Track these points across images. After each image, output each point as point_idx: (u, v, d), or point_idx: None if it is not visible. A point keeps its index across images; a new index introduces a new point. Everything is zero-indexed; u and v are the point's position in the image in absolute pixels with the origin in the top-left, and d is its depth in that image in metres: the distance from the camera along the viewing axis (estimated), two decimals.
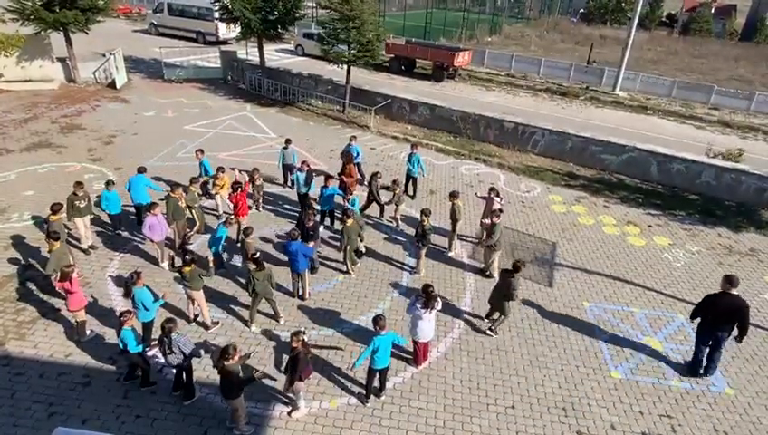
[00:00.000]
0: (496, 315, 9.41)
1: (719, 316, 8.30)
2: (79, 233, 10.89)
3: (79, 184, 10.80)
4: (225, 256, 10.78)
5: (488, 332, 9.37)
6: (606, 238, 13.07)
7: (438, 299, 8.13)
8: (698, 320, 8.61)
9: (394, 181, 12.45)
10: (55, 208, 9.92)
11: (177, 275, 9.46)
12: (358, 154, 14.37)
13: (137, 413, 7.36)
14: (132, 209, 11.94)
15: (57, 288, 8.71)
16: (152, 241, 10.32)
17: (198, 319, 9.15)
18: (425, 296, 8.00)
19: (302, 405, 7.50)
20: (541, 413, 7.86)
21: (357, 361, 7.45)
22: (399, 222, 12.76)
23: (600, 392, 8.31)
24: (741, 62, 40.71)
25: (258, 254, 9.01)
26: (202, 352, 7.57)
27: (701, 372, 8.70)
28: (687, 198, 15.67)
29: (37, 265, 10.35)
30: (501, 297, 9.10)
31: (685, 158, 16.15)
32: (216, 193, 12.46)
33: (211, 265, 9.24)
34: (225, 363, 6.61)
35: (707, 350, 8.58)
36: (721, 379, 8.75)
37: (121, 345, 7.34)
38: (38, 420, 7.17)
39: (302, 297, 9.99)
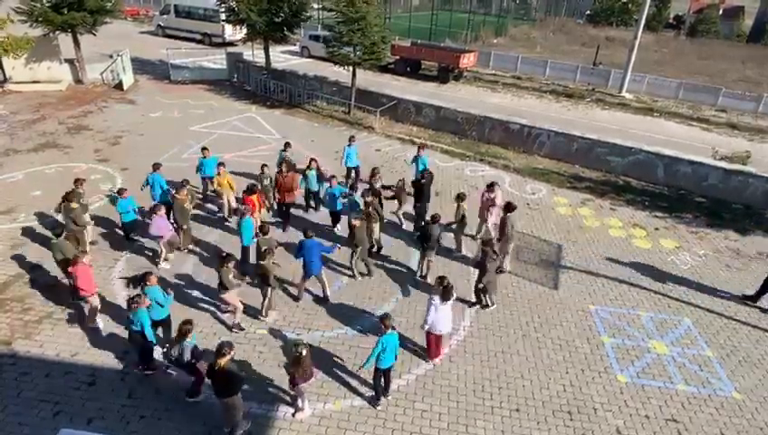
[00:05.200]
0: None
1: None
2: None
3: (79, 181, 10.96)
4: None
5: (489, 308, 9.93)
6: (612, 241, 13.00)
7: (453, 293, 8.31)
8: None
9: (400, 181, 12.58)
10: (70, 197, 10.23)
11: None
12: (356, 156, 14.23)
13: (141, 413, 7.39)
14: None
15: (71, 270, 8.65)
16: (160, 240, 10.38)
17: (235, 321, 9.10)
18: (440, 288, 8.12)
19: (306, 407, 7.50)
20: (546, 417, 7.82)
21: (366, 362, 7.45)
22: (402, 220, 12.80)
23: (605, 396, 8.26)
24: (748, 63, 40.39)
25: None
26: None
27: None
28: (694, 200, 15.57)
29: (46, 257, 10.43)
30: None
31: (691, 160, 16.05)
32: (219, 188, 12.34)
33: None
34: (222, 361, 6.58)
35: None
36: (728, 383, 8.68)
37: (138, 327, 7.46)
38: (44, 420, 7.21)
39: (325, 299, 9.90)
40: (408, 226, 12.82)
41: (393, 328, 7.50)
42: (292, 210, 12.56)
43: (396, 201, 12.50)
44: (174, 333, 7.64)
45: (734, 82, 32.81)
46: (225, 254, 8.85)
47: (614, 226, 13.79)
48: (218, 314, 9.43)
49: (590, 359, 9.01)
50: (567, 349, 9.21)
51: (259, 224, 10.37)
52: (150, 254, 11.02)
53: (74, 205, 10.25)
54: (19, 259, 10.63)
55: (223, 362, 6.58)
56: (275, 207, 12.79)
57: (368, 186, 12.39)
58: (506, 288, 10.76)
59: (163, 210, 10.28)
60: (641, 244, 12.97)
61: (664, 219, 14.33)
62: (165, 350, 7.86)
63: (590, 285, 11.10)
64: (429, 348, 8.54)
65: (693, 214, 14.72)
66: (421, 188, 12.35)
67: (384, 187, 12.68)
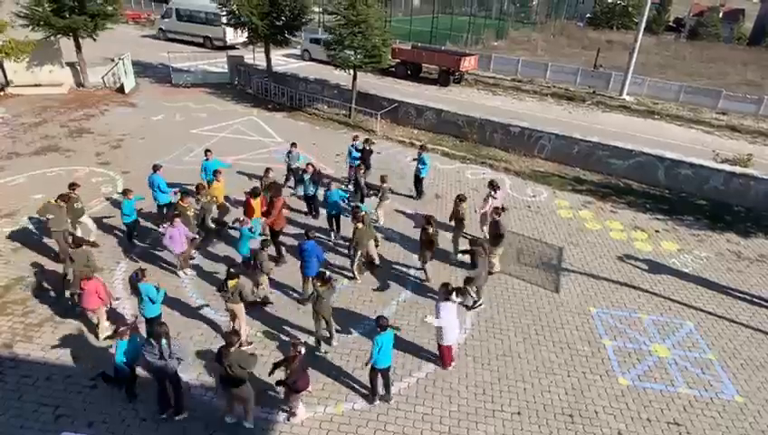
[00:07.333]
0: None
1: None
2: (87, 229, 11.02)
3: (74, 185, 10.98)
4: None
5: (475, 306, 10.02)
6: (613, 243, 12.99)
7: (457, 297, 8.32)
8: None
9: (382, 177, 12.73)
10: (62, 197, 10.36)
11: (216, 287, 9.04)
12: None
13: (142, 417, 7.38)
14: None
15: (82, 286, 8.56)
16: (173, 253, 10.26)
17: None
18: (445, 293, 8.12)
19: (300, 410, 7.45)
20: (547, 420, 7.80)
21: (371, 359, 7.45)
22: (381, 217, 12.92)
23: (607, 399, 8.24)
24: (749, 66, 40.39)
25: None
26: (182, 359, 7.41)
27: None
28: (695, 203, 15.56)
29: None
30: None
31: (692, 163, 16.03)
32: (209, 200, 11.64)
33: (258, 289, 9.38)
34: (232, 349, 6.69)
35: None
36: (731, 386, 8.65)
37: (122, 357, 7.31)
38: (45, 423, 7.21)
39: (303, 302, 9.87)
40: (383, 220, 12.96)
41: (389, 327, 7.51)
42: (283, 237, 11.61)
43: (378, 199, 12.79)
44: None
45: (734, 84, 32.81)
46: (231, 269, 8.43)
47: (615, 228, 13.77)
48: (218, 322, 9.41)
49: (592, 362, 8.99)
50: (568, 352, 9.19)
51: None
52: (152, 256, 11.04)
53: (55, 204, 10.21)
54: (21, 262, 10.64)
55: (232, 348, 6.69)
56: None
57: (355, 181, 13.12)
58: (507, 290, 10.76)
59: (179, 221, 9.99)
60: (642, 246, 12.95)
61: (665, 222, 14.32)
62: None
63: (592, 288, 11.08)
64: (443, 357, 8.52)
65: (694, 216, 14.70)
66: (365, 155, 14.15)
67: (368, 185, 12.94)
